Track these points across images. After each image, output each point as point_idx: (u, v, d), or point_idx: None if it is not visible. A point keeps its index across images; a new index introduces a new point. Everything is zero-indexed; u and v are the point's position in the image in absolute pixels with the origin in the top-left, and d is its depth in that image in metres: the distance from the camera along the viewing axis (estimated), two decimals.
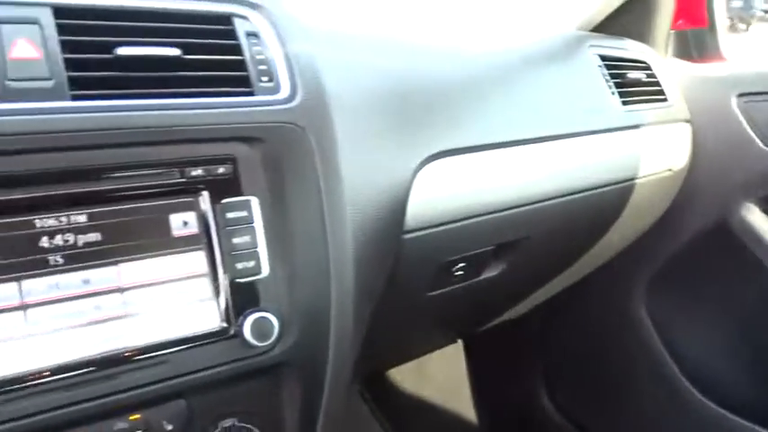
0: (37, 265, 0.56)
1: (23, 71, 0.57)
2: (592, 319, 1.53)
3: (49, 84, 0.58)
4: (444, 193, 0.88)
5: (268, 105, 0.68)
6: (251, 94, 0.68)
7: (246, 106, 0.66)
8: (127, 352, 0.58)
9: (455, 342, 1.72)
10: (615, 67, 1.20)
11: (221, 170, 0.64)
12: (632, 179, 1.18)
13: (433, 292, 0.97)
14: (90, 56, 0.61)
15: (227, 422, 0.66)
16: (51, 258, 0.56)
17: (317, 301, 0.68)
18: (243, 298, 0.64)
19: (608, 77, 1.17)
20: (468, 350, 1.74)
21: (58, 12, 0.60)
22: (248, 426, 0.67)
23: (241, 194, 0.65)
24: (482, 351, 1.72)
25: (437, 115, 0.87)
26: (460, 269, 0.99)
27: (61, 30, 0.60)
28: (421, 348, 1.50)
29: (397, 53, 0.90)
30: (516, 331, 1.58)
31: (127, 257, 0.59)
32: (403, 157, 0.82)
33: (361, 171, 0.75)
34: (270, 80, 0.70)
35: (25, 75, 0.57)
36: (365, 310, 0.76)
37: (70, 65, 0.60)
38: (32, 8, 0.59)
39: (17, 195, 0.55)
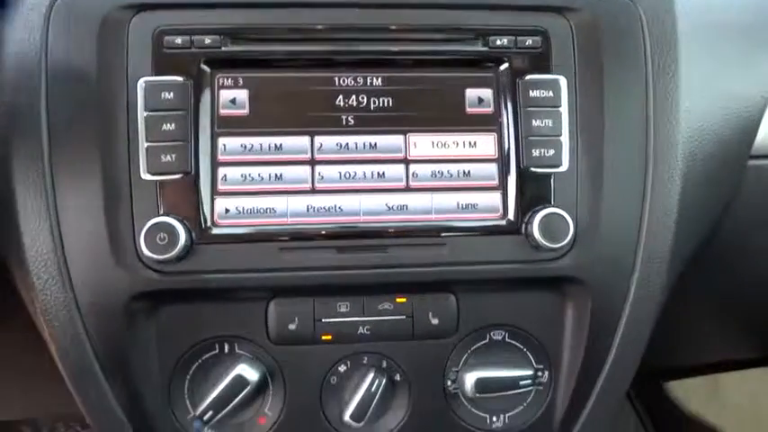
0: (330, 122, 0.54)
1: None
2: None
3: None
4: None
5: None
6: None
7: None
8: (406, 226, 0.54)
9: (765, 364, 1.35)
10: None
11: (529, 42, 0.55)
12: None
13: None
14: None
15: (497, 334, 0.57)
16: (344, 118, 0.54)
17: (625, 210, 0.55)
18: (535, 191, 0.54)
19: None
20: None
21: None
22: (520, 346, 0.58)
23: (549, 72, 0.55)
24: None
25: None
26: None
27: None
28: (717, 351, 1.17)
29: None
30: None
31: (416, 128, 0.55)
32: (763, 58, 0.62)
33: (707, 67, 0.59)
34: None
35: None
36: (687, 244, 0.59)
37: None
38: None
39: (320, 48, 0.54)
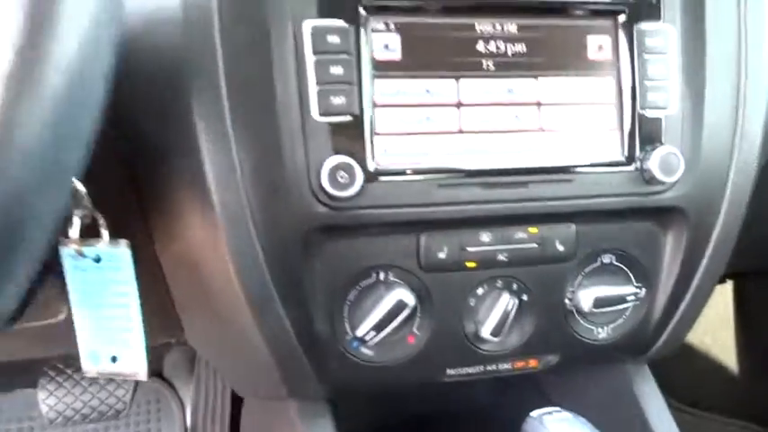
0: (473, 67, 0.58)
1: None
2: None
3: None
4: None
5: None
6: None
7: None
8: (539, 165, 0.60)
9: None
10: None
11: None
12: None
13: None
14: None
15: (607, 258, 0.65)
16: (485, 63, 0.59)
17: (719, 147, 0.64)
18: (649, 131, 0.62)
19: None
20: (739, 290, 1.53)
21: None
22: (625, 268, 0.66)
23: (659, 21, 0.62)
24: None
25: None
26: None
27: None
28: None
29: None
30: None
31: (546, 72, 0.60)
32: None
33: None
34: None
35: None
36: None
37: None
38: None
39: None
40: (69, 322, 0.61)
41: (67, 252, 0.53)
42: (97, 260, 0.52)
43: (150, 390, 1.32)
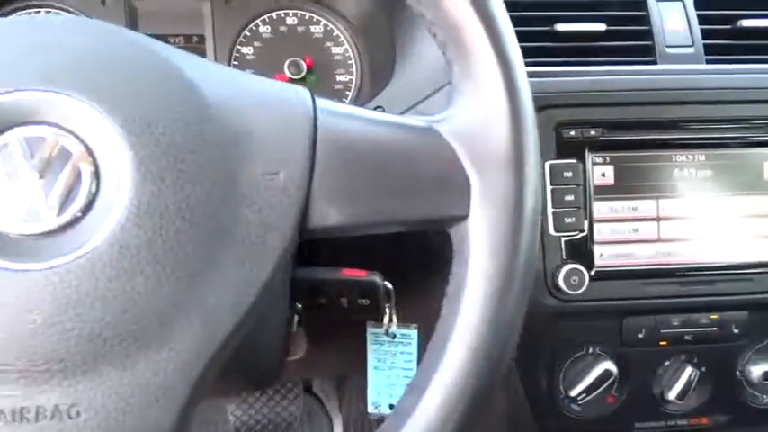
0: (669, 189, 0.74)
1: (674, 39, 0.75)
2: None
3: (691, 50, 0.75)
4: None
5: None
6: None
7: None
8: (723, 265, 0.75)
9: None
10: None
11: None
12: None
13: None
14: (717, 27, 0.76)
15: (766, 341, 0.80)
16: (679, 186, 0.75)
17: None
18: None
19: None
20: None
21: None
22: None
23: None
24: None
25: None
26: None
27: (697, 5, 0.76)
28: None
29: None
30: None
31: (728, 191, 0.75)
32: None
33: None
34: None
35: (675, 42, 0.75)
36: None
37: (703, 34, 0.76)
38: None
39: (664, 135, 0.74)
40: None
41: (372, 330, 0.72)
42: (393, 337, 0.71)
43: (308, 405, 1.54)
